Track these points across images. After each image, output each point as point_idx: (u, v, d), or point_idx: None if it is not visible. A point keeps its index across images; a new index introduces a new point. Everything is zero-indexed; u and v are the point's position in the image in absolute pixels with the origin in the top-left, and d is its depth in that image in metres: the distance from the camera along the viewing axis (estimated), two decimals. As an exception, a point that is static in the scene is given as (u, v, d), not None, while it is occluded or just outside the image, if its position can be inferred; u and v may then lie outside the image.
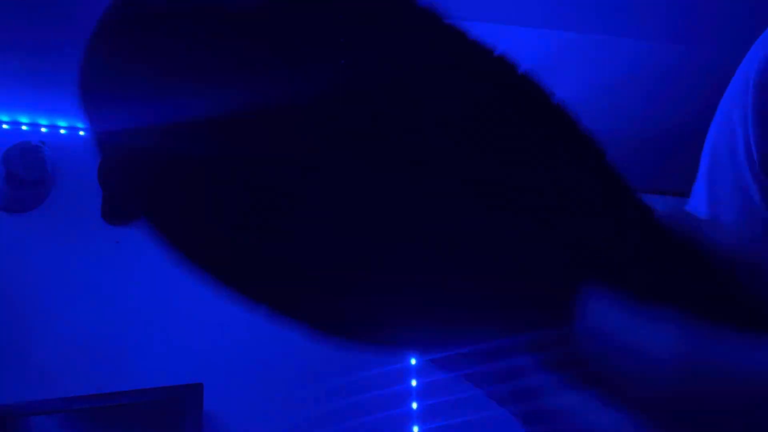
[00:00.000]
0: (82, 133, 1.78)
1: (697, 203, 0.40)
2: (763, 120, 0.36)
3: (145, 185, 0.25)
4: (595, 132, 0.24)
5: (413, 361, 1.53)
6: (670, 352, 0.18)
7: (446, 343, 0.22)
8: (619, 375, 0.19)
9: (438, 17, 0.19)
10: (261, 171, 0.21)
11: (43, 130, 1.77)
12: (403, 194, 0.20)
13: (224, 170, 0.21)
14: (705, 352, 0.18)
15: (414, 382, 1.51)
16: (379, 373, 1.46)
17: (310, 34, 0.20)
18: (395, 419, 1.46)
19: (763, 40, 0.39)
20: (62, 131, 1.78)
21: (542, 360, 0.21)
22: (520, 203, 0.20)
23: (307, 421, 1.42)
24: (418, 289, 0.21)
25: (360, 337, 0.23)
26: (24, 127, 1.76)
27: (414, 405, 1.48)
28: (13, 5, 1.35)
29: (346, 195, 0.20)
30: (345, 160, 0.20)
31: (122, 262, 1.60)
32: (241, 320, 1.55)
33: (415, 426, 1.46)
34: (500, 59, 0.20)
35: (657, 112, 1.60)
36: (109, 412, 1.29)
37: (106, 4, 0.24)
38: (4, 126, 1.76)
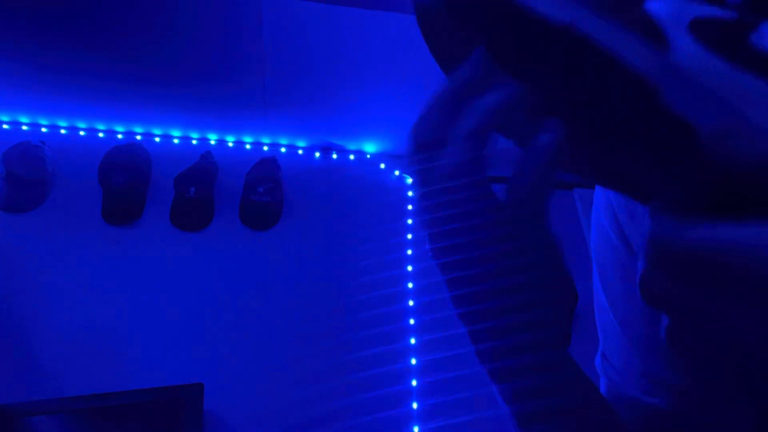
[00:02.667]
0: (82, 133, 1.78)
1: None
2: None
3: None
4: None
5: (413, 361, 1.53)
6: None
7: None
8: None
9: None
10: None
11: (43, 130, 1.77)
12: None
13: None
14: None
15: (414, 382, 1.51)
16: (379, 373, 1.46)
17: None
18: (395, 419, 1.46)
19: None
20: (62, 131, 1.78)
21: None
22: None
23: (307, 421, 1.42)
24: None
25: None
26: (24, 127, 1.77)
27: (414, 405, 1.48)
28: (13, 6, 1.35)
29: None
30: None
31: (122, 262, 1.60)
32: (240, 320, 1.55)
33: (416, 426, 1.46)
34: None
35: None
36: (109, 412, 1.29)
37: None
38: (4, 126, 1.76)
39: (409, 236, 1.72)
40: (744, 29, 0.25)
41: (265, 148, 1.83)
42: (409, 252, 1.70)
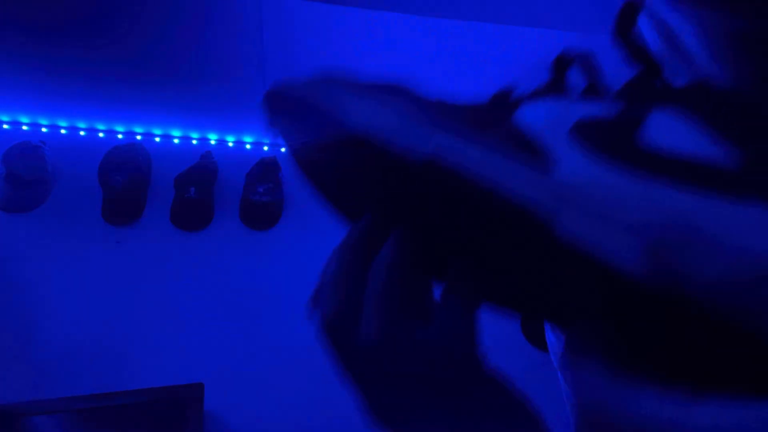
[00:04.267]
0: (82, 133, 1.78)
1: None
2: None
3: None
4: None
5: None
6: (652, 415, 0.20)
7: None
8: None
9: None
10: None
11: (43, 130, 1.77)
12: None
13: None
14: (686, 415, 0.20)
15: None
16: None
17: None
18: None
19: None
20: (62, 131, 1.78)
21: None
22: None
23: (307, 421, 1.42)
24: None
25: None
26: (24, 127, 1.77)
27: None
28: (13, 6, 1.35)
29: None
30: None
31: (122, 262, 1.59)
32: (241, 320, 1.55)
33: (415, 426, 1.46)
34: None
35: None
36: (109, 412, 1.29)
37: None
38: (4, 126, 1.76)
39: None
40: (629, 126, 0.22)
41: (265, 148, 1.83)
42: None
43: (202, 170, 1.71)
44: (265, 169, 1.74)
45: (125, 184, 1.65)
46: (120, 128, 1.79)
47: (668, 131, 0.22)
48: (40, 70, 1.55)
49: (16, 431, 1.25)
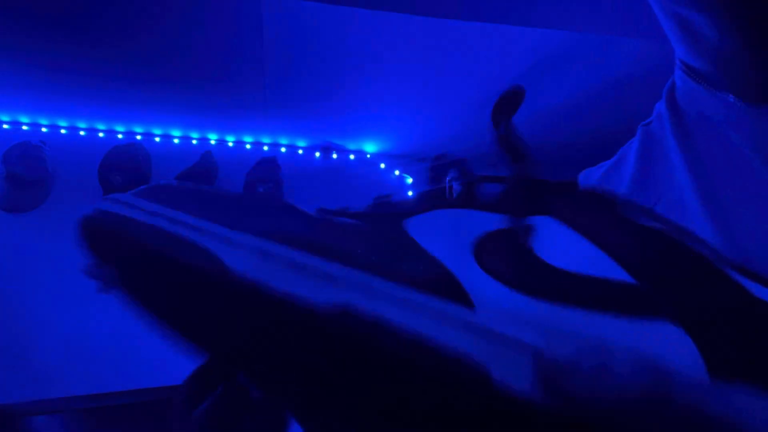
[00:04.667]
0: (82, 133, 1.78)
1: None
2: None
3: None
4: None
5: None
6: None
7: None
8: None
9: None
10: None
11: (43, 130, 1.77)
12: None
13: None
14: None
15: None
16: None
17: None
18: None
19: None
20: (62, 131, 1.78)
21: None
22: None
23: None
24: None
25: None
26: (24, 127, 1.77)
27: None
28: (14, 6, 1.35)
29: None
30: None
31: (122, 262, 1.59)
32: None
33: (415, 426, 1.46)
34: None
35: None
36: (109, 412, 1.29)
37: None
38: (5, 126, 1.76)
39: (409, 236, 1.72)
40: (523, 236, 0.22)
41: (265, 148, 1.83)
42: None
43: (202, 170, 1.71)
44: (265, 169, 1.74)
45: (125, 184, 1.65)
46: (120, 128, 1.79)
47: (556, 243, 0.22)
48: (40, 70, 1.55)
49: (16, 431, 1.25)
